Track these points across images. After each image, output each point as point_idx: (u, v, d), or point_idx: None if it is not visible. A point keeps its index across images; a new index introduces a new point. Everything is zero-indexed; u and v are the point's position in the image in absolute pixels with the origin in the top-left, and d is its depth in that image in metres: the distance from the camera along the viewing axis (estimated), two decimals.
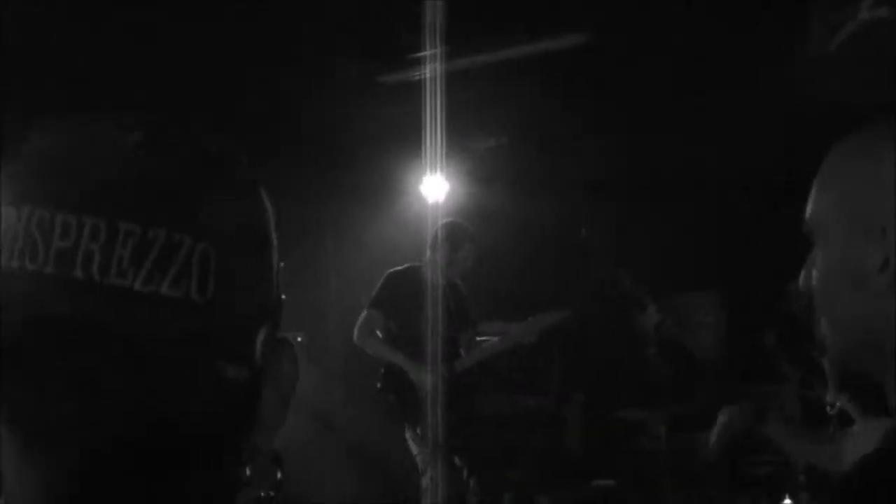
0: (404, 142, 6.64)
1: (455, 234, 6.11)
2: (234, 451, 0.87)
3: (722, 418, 3.04)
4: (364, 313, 5.98)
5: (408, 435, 5.94)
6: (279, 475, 0.79)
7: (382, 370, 5.99)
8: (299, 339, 6.53)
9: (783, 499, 6.73)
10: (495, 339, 6.32)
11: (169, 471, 0.83)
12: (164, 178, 0.85)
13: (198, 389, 0.83)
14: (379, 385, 6.04)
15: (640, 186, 7.78)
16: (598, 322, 8.10)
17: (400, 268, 6.09)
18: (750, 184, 7.33)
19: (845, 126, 1.22)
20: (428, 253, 6.12)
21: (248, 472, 0.88)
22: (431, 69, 6.14)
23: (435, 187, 6.86)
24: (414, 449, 5.93)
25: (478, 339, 6.31)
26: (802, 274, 1.23)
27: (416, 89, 6.19)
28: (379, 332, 5.92)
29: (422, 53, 6.06)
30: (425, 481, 5.89)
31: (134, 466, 0.81)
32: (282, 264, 0.94)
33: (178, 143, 0.88)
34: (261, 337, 0.87)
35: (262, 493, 0.79)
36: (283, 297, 0.93)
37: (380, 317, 5.93)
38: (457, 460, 5.83)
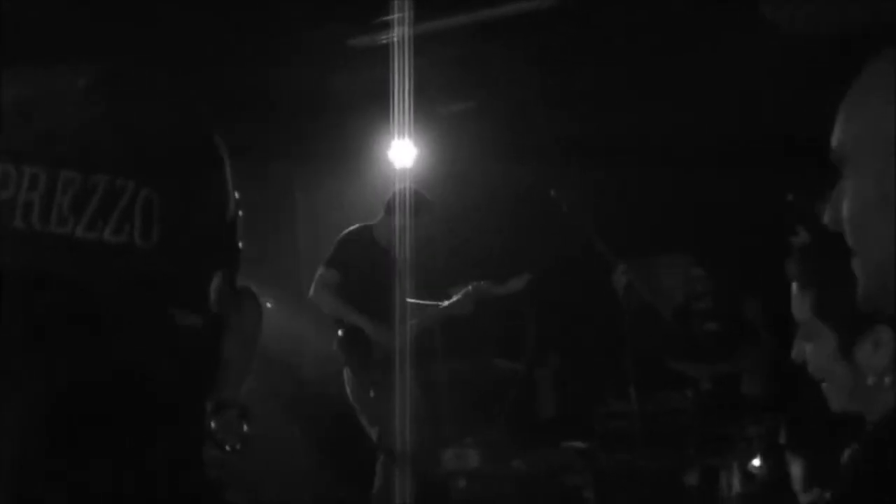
0: (373, 106, 6.60)
1: (416, 201, 6.03)
2: (197, 401, 0.86)
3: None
4: (319, 271, 5.94)
5: (356, 401, 5.90)
6: (245, 428, 0.78)
7: (339, 332, 5.94)
8: (269, 304, 6.49)
9: (753, 458, 6.79)
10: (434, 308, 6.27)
11: (129, 417, 0.81)
12: (111, 123, 0.83)
13: (148, 335, 0.82)
14: (335, 346, 5.99)
15: (611, 149, 7.77)
16: (569, 284, 8.10)
17: (354, 227, 6.07)
18: (721, 148, 7.33)
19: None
20: (381, 214, 6.07)
21: (213, 424, 0.87)
22: (400, 32, 6.10)
23: (403, 152, 6.82)
24: (362, 418, 5.89)
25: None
26: (828, 209, 1.17)
27: (384, 53, 6.14)
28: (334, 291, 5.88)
29: (390, 16, 6.01)
30: (380, 460, 5.84)
31: (94, 414, 0.80)
32: (240, 214, 0.92)
33: (130, 89, 0.86)
34: (214, 284, 0.86)
35: (228, 447, 0.78)
36: (241, 246, 0.92)
37: (335, 275, 5.88)
38: (420, 425, 5.79)
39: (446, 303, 6.27)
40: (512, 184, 7.89)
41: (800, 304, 2.41)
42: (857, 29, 4.71)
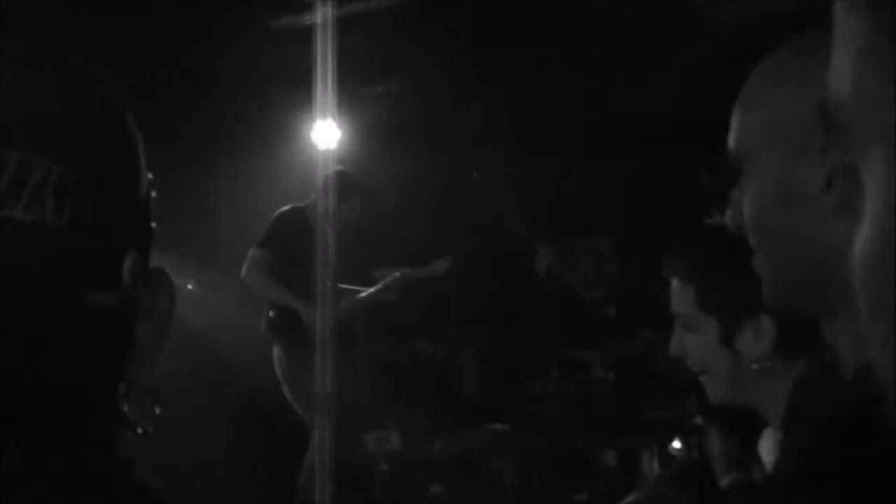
0: (296, 87, 6.56)
1: (344, 184, 6.06)
2: (109, 382, 0.85)
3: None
4: (252, 252, 5.89)
5: (285, 379, 5.87)
6: (158, 411, 0.77)
7: (270, 312, 5.91)
8: (189, 286, 6.45)
9: (673, 440, 6.88)
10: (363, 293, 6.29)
11: (38, 397, 0.80)
12: (22, 99, 0.82)
13: (60, 313, 0.81)
14: (264, 327, 5.96)
15: (533, 133, 7.80)
16: (490, 266, 8.13)
17: (286, 208, 6.03)
18: (643, 130, 7.38)
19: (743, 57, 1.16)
20: (313, 195, 6.04)
21: (125, 406, 0.86)
22: (323, 14, 6.07)
23: (326, 133, 6.79)
24: (291, 397, 5.87)
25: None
26: (730, 210, 1.17)
27: (307, 34, 6.11)
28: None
29: None
30: (313, 441, 5.83)
31: (9, 397, 0.79)
32: (153, 194, 0.92)
33: (42, 66, 0.85)
34: (128, 264, 0.85)
35: (140, 430, 0.76)
36: (154, 226, 0.91)
37: (268, 255, 5.84)
38: (348, 408, 5.79)
39: (373, 289, 6.26)
40: (434, 166, 7.89)
41: (680, 298, 2.44)
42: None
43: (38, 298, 0.79)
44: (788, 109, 1.09)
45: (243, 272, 5.86)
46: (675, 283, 2.65)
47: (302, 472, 5.84)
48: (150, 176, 0.92)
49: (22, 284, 0.79)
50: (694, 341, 2.38)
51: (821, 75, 1.07)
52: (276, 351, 5.90)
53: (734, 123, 1.17)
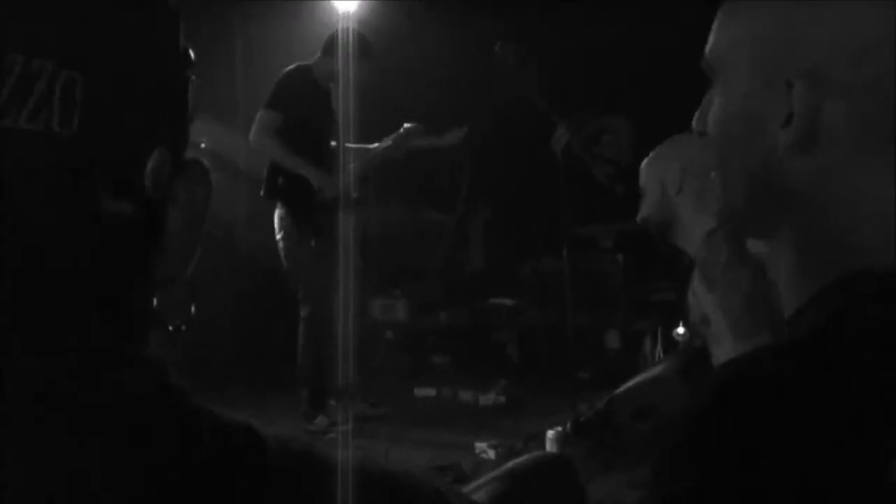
0: None
1: (358, 45, 5.72)
2: (136, 283, 0.80)
3: None
4: (259, 113, 5.68)
5: (290, 247, 5.74)
6: (192, 307, 0.74)
7: (277, 177, 5.70)
8: (203, 144, 6.35)
9: (678, 325, 6.90)
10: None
11: (60, 306, 0.77)
12: None
13: (70, 225, 0.76)
14: (265, 192, 5.78)
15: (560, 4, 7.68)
16: (507, 139, 8.07)
17: (291, 67, 5.80)
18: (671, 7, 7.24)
19: None
20: (319, 54, 5.88)
21: (155, 301, 0.81)
22: None
23: None
24: (290, 263, 5.74)
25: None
26: (697, 114, 1.14)
27: None
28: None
29: None
30: (306, 311, 5.76)
31: (26, 309, 0.76)
32: (192, 78, 0.85)
33: None
34: (152, 164, 0.80)
35: (172, 326, 0.74)
36: (191, 114, 0.85)
37: (277, 117, 5.64)
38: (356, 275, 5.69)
39: (380, 144, 6.09)
40: (455, 34, 7.77)
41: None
42: None
43: (46, 211, 0.75)
44: (764, 31, 1.04)
45: (252, 135, 5.66)
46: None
47: (298, 352, 5.74)
48: (191, 55, 0.85)
49: (28, 198, 0.75)
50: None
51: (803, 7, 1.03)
52: (279, 214, 5.73)
53: (713, 30, 1.12)
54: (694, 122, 1.15)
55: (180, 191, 0.83)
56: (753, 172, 1.04)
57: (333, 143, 5.74)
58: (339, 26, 5.93)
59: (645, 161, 3.26)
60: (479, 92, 7.60)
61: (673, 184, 3.01)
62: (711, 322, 2.90)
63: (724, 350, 2.75)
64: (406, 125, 6.09)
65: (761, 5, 1.05)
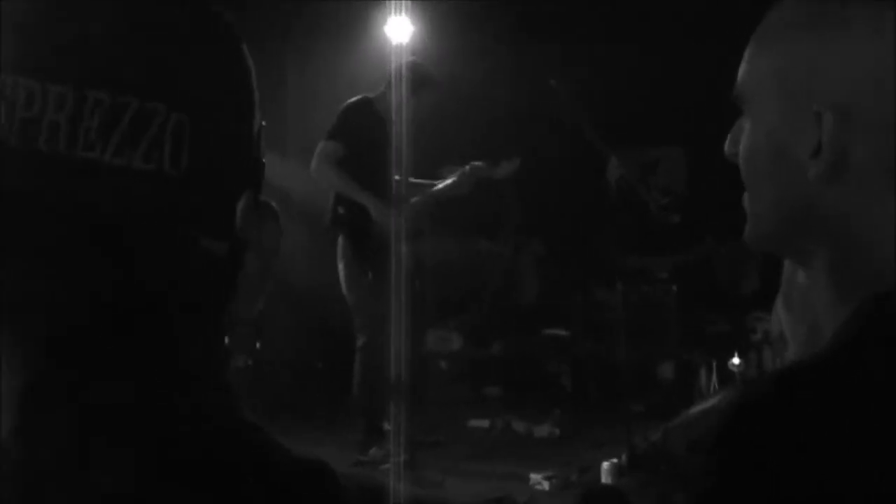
0: None
1: (418, 76, 5.81)
2: (214, 321, 0.83)
3: None
4: (321, 144, 5.71)
5: (349, 279, 5.77)
6: (258, 345, 0.76)
7: (339, 208, 5.75)
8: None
9: (732, 356, 6.86)
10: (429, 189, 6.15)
11: (146, 338, 0.79)
12: (139, 40, 0.79)
13: (173, 264, 0.80)
14: (329, 221, 5.84)
15: (614, 34, 7.68)
16: (559, 171, 8.08)
17: (355, 99, 5.85)
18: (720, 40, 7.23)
19: None
20: (382, 87, 5.93)
21: (226, 340, 0.84)
22: None
23: (399, 28, 6.70)
24: (351, 296, 5.77)
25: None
26: (728, 139, 1.15)
27: None
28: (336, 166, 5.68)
29: None
30: (361, 341, 5.78)
31: (110, 339, 0.78)
32: (263, 124, 0.88)
33: (156, 2, 0.82)
34: (241, 207, 0.84)
35: (241, 363, 0.75)
36: (264, 160, 0.88)
37: (338, 148, 5.67)
38: (412, 305, 5.70)
39: (444, 183, 6.16)
40: (509, 67, 7.80)
41: None
42: None
43: (151, 249, 0.78)
44: (793, 63, 1.05)
45: (313, 165, 5.70)
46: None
47: (354, 382, 5.78)
48: (257, 102, 0.88)
49: (135, 236, 0.78)
50: None
51: (835, 35, 1.04)
52: (341, 243, 5.80)
53: (744, 61, 1.13)
54: (726, 147, 1.16)
55: (255, 233, 0.86)
56: (783, 198, 1.06)
57: (397, 178, 5.77)
58: (393, 59, 5.97)
59: None
60: (533, 124, 7.62)
61: None
62: (788, 343, 2.87)
63: None
64: (473, 163, 6.13)
65: (790, 38, 1.06)
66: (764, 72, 1.08)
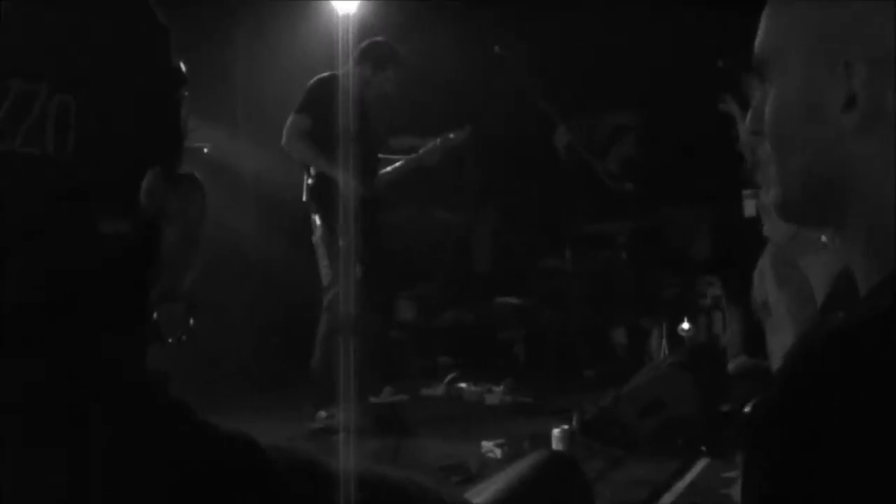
0: None
1: (381, 54, 6.03)
2: (135, 299, 0.82)
3: None
4: (291, 117, 5.83)
5: (320, 244, 5.89)
6: (191, 321, 0.74)
7: (309, 180, 5.89)
8: (206, 150, 6.37)
9: (682, 322, 6.93)
10: (400, 160, 6.29)
11: (61, 324, 0.78)
12: (20, 19, 0.77)
13: (69, 248, 0.78)
14: (305, 196, 5.95)
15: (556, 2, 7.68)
16: (510, 139, 8.08)
17: (325, 74, 5.95)
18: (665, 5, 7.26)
19: None
20: (349, 65, 6.00)
21: (154, 316, 0.83)
22: None
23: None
24: (324, 261, 5.89)
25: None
26: (750, 114, 1.13)
27: None
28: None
29: None
30: (328, 298, 5.87)
31: (25, 329, 0.77)
32: (185, 94, 0.87)
33: None
34: (146, 185, 0.81)
35: (171, 339, 0.74)
36: (185, 131, 0.87)
37: (307, 121, 5.79)
38: (360, 273, 5.79)
39: (412, 156, 6.31)
40: (455, 34, 7.78)
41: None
42: None
43: (44, 235, 0.76)
44: (821, 17, 1.04)
45: (283, 138, 5.83)
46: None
47: (315, 349, 5.88)
48: (182, 69, 0.87)
49: (26, 221, 0.76)
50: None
51: None
52: (313, 218, 5.92)
53: (763, 24, 1.12)
54: (748, 124, 1.15)
55: (175, 206, 0.84)
56: (816, 161, 1.04)
57: (368, 150, 5.88)
58: (340, 32, 6.03)
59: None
60: (482, 92, 7.62)
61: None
62: (772, 311, 2.92)
63: (780, 339, 2.77)
64: (444, 135, 6.31)
65: None
66: (788, 30, 1.07)
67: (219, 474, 0.80)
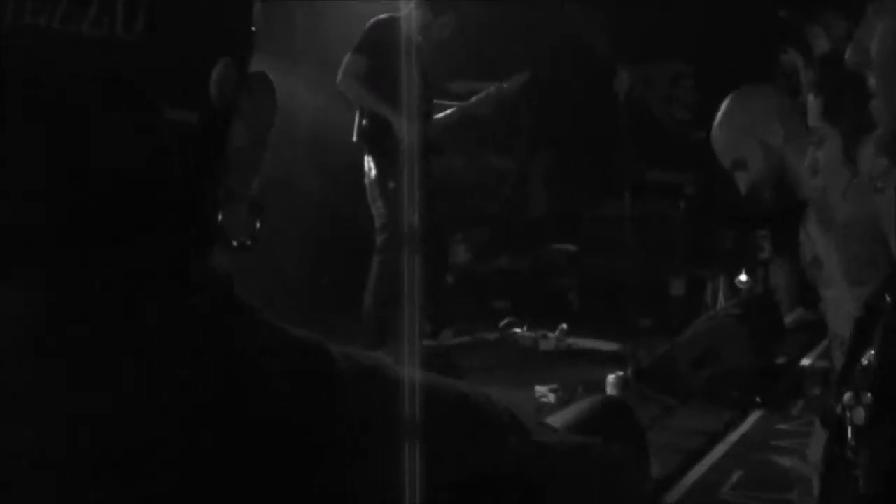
0: None
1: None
2: (197, 196, 0.79)
3: None
4: (347, 57, 5.85)
5: (374, 185, 5.89)
6: (258, 224, 0.73)
7: (363, 121, 5.89)
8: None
9: (740, 273, 6.85)
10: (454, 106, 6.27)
11: (121, 215, 0.76)
12: None
13: (134, 134, 0.75)
14: (355, 136, 5.95)
15: None
16: (568, 84, 8.01)
17: (383, 16, 5.95)
18: None
19: None
20: (406, 9, 5.98)
21: (219, 217, 0.81)
22: None
23: None
24: (378, 202, 5.89)
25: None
26: (850, 48, 1.10)
27: None
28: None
29: None
30: (381, 239, 5.87)
31: (90, 222, 0.75)
32: None
33: None
34: (216, 75, 0.78)
35: (236, 242, 0.73)
36: (254, 28, 0.84)
37: (363, 62, 5.81)
38: (416, 220, 5.79)
39: (467, 103, 6.32)
40: None
41: (814, 111, 2.60)
42: None
43: (107, 120, 0.74)
44: None
45: (339, 77, 5.84)
46: (809, 97, 2.78)
47: (367, 290, 5.89)
48: None
49: (89, 104, 0.73)
50: (822, 155, 2.53)
51: None
52: (367, 155, 5.92)
53: None
54: (848, 56, 1.11)
55: (245, 103, 0.82)
56: None
57: (423, 94, 5.89)
58: None
59: (718, 131, 3.17)
60: (541, 39, 7.55)
61: (774, 134, 2.95)
62: (823, 264, 2.88)
63: (834, 293, 2.74)
64: (500, 83, 6.30)
65: None
66: None
67: (289, 375, 0.79)
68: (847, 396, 1.86)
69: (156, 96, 0.75)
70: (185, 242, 0.80)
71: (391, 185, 5.78)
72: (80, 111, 0.73)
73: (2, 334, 0.75)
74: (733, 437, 4.66)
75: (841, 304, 2.71)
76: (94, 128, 0.74)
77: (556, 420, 1.55)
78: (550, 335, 6.59)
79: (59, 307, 0.75)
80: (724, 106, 3.14)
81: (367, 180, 5.97)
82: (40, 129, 0.73)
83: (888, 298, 0.98)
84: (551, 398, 5.08)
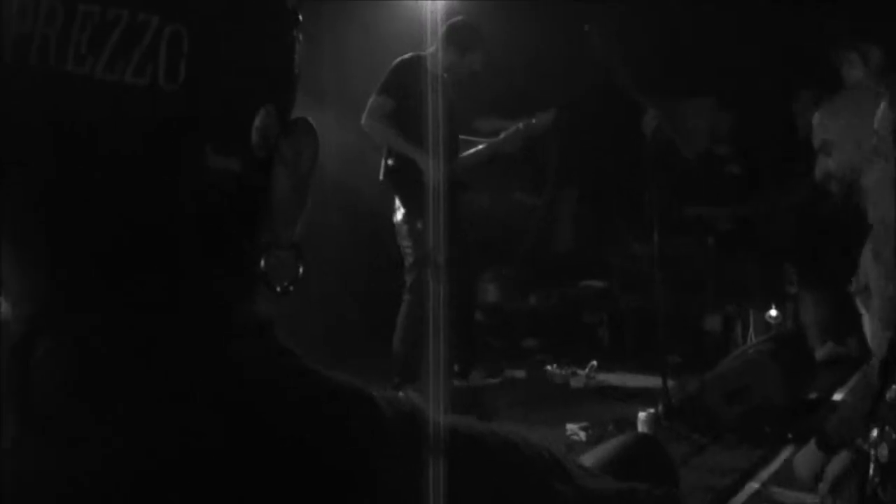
0: None
1: (466, 36, 6.05)
2: (242, 243, 0.81)
3: None
4: (372, 98, 5.86)
5: (402, 225, 5.92)
6: (300, 268, 0.74)
7: (389, 161, 5.92)
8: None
9: (769, 309, 6.83)
10: (482, 144, 6.27)
11: (163, 261, 0.77)
12: None
13: (174, 182, 0.76)
14: (382, 176, 5.98)
15: None
16: (595, 122, 8.02)
17: (407, 56, 5.97)
18: None
19: None
20: (433, 47, 6.00)
21: (262, 264, 0.82)
22: None
23: None
24: (406, 242, 5.91)
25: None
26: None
27: None
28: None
29: None
30: (411, 279, 5.89)
31: (134, 270, 0.77)
32: (299, 36, 0.86)
33: None
34: (259, 121, 0.80)
35: (279, 287, 0.73)
36: (297, 74, 0.85)
37: (389, 102, 5.82)
38: (443, 255, 5.79)
39: (494, 140, 6.29)
40: (542, 17, 7.74)
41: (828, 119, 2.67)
42: None
43: (152, 167, 0.75)
44: None
45: (364, 118, 5.86)
46: (816, 115, 2.80)
47: (397, 330, 5.90)
48: (299, 17, 0.86)
49: (134, 152, 0.75)
50: (835, 156, 2.67)
51: None
52: (394, 199, 5.97)
53: None
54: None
55: (287, 150, 0.83)
56: None
57: (449, 133, 5.88)
58: (429, 14, 6.04)
59: (825, 112, 3.10)
60: (567, 75, 7.57)
61: (867, 140, 2.88)
62: (872, 294, 2.85)
63: (872, 327, 2.72)
64: (527, 120, 6.27)
65: None
66: None
67: (329, 421, 0.79)
68: (874, 434, 1.85)
69: (198, 144, 0.77)
70: (228, 289, 0.81)
71: (419, 224, 5.80)
72: (122, 160, 0.75)
73: (52, 377, 0.76)
74: (765, 474, 4.63)
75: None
76: (136, 177, 0.75)
77: (587, 458, 1.55)
78: (580, 372, 6.58)
79: (104, 354, 0.76)
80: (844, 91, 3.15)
81: (394, 220, 5.99)
82: (82, 179, 0.75)
83: None
84: (582, 436, 5.07)
